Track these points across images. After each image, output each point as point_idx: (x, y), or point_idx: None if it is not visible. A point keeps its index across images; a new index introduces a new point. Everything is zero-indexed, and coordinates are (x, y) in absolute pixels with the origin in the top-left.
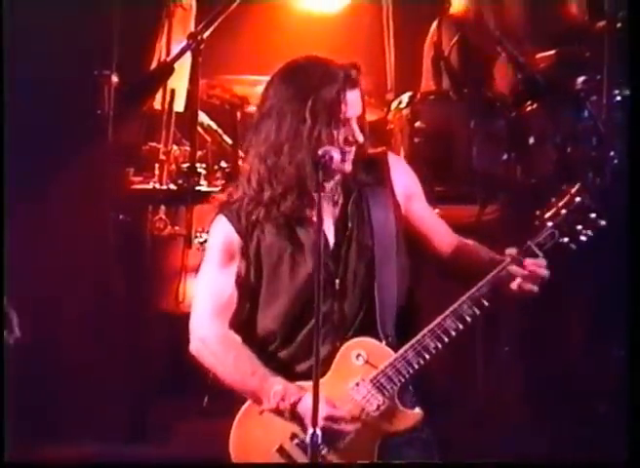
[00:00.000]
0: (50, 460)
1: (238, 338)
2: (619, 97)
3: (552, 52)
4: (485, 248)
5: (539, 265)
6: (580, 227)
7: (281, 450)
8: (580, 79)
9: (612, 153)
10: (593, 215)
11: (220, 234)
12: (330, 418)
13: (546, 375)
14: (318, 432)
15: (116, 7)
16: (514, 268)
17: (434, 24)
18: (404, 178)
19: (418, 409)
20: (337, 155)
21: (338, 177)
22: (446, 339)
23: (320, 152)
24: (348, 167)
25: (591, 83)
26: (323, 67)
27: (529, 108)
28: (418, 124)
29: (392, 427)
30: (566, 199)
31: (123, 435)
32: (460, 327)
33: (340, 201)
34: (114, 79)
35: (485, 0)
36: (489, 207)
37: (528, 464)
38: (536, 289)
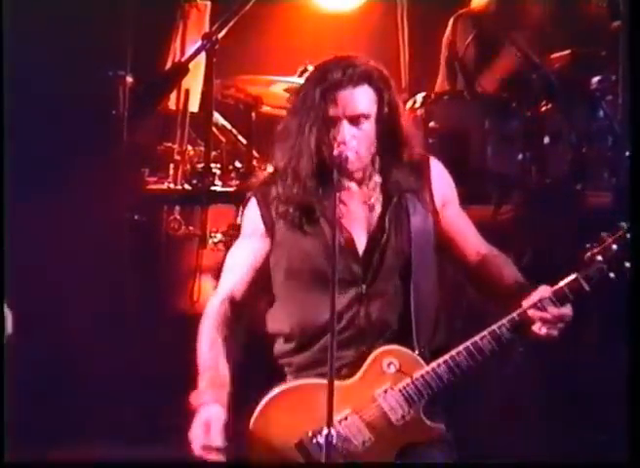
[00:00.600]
0: (50, 461)
1: (219, 319)
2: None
3: (567, 51)
4: (513, 270)
5: (561, 315)
6: (628, 264)
7: (300, 445)
8: (596, 79)
9: (627, 153)
10: None
11: (248, 216)
12: (205, 447)
13: (549, 377)
14: (333, 432)
15: (131, 7)
16: (533, 312)
17: (450, 23)
18: (443, 185)
19: (441, 425)
20: (352, 155)
21: (377, 181)
22: (480, 358)
23: (335, 153)
24: (352, 166)
25: (606, 83)
26: (326, 66)
27: (544, 108)
28: (432, 124)
29: (413, 438)
30: (618, 235)
31: (136, 436)
32: (497, 348)
33: (378, 206)
34: (129, 79)
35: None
36: (504, 207)
37: (530, 464)
38: (555, 333)
